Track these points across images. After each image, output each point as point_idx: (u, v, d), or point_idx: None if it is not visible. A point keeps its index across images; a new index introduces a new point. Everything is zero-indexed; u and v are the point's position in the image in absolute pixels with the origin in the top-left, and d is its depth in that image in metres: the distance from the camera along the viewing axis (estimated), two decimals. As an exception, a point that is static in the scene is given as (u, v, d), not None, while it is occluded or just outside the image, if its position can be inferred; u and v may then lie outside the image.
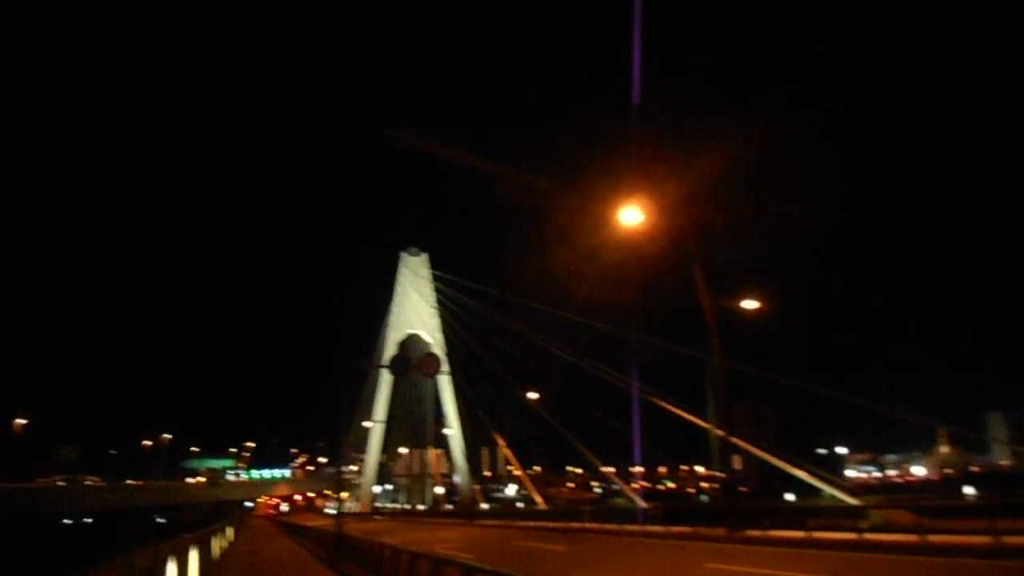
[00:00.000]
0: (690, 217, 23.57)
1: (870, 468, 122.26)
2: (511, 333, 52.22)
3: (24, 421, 72.33)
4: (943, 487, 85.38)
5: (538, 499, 49.92)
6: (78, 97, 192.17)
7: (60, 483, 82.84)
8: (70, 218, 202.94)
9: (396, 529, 41.52)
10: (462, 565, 9.78)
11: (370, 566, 16.42)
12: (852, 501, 25.04)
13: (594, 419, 42.82)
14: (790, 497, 46.87)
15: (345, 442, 31.93)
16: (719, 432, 24.81)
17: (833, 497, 26.65)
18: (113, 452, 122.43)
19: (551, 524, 34.82)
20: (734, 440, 24.49)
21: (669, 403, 31.09)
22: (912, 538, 16.28)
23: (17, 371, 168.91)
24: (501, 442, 53.80)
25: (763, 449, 29.20)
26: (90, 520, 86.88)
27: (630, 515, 30.35)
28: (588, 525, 30.24)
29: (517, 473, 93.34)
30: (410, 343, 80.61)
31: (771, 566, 14.68)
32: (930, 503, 21.10)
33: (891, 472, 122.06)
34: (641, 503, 36.11)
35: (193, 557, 12.16)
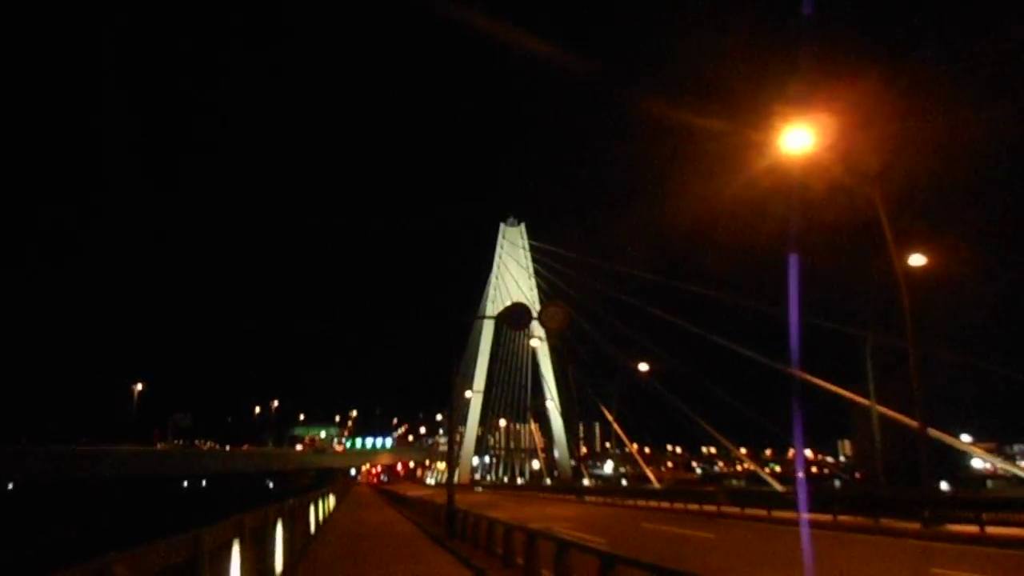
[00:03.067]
0: (872, 145, 19.08)
1: (995, 459, 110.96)
2: (615, 304, 48.60)
3: (141, 388, 75.63)
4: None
5: (652, 477, 46.71)
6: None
7: (175, 447, 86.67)
8: (189, 193, 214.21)
9: (500, 503, 39.27)
10: (649, 566, 6.55)
11: (492, 550, 13.55)
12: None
13: (705, 396, 39.02)
14: (944, 486, 41.91)
15: (452, 400, 29.75)
16: (913, 422, 20.47)
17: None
18: (228, 419, 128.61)
19: (676, 505, 31.27)
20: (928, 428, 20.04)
21: (822, 381, 27.25)
22: None
23: (135, 341, 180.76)
24: (609, 417, 50.64)
25: (881, 432, 25.03)
26: (204, 483, 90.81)
27: (771, 499, 26.39)
28: (725, 509, 26.48)
29: (614, 450, 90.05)
30: (509, 314, 78.35)
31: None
32: None
33: (1022, 463, 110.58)
34: (778, 486, 32.03)
35: (278, 536, 9.45)
